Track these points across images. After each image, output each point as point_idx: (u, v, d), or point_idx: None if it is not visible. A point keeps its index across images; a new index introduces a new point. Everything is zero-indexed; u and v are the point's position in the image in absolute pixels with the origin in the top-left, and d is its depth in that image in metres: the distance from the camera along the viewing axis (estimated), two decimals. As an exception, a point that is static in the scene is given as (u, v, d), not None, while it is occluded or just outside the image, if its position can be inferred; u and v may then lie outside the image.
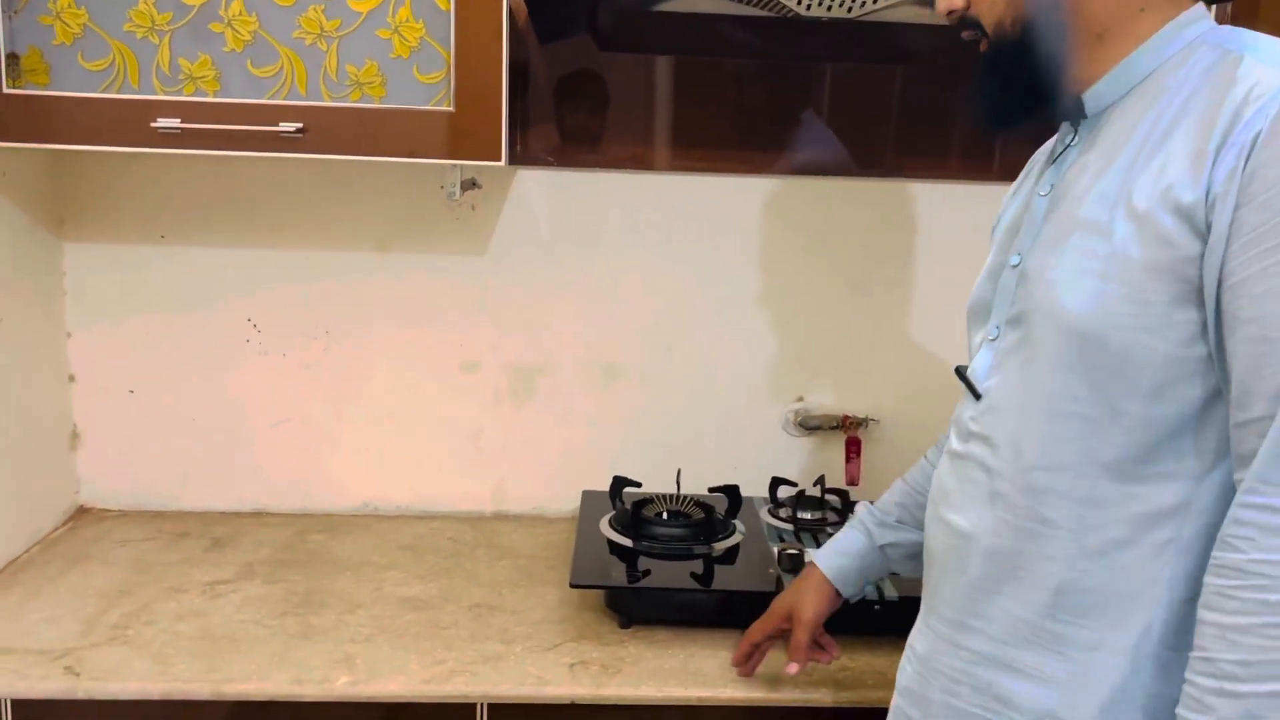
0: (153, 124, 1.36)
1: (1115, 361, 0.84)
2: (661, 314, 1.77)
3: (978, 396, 0.96)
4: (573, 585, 1.39)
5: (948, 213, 1.74)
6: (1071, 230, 0.88)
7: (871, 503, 1.24)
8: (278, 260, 1.73)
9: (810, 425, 1.79)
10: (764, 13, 1.52)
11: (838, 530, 1.26)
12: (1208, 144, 0.80)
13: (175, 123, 1.36)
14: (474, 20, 1.37)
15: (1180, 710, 0.80)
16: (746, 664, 1.26)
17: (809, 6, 1.43)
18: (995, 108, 0.96)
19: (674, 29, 1.68)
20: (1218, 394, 0.83)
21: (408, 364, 1.77)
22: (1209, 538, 0.82)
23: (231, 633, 1.37)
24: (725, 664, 1.31)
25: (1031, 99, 0.95)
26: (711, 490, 1.64)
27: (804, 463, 1.81)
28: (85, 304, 1.73)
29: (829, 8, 1.43)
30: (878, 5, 1.42)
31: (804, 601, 1.20)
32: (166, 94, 1.37)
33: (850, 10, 1.44)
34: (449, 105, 1.39)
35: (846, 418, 1.78)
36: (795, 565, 1.42)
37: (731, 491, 1.61)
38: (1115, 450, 0.86)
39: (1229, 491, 0.82)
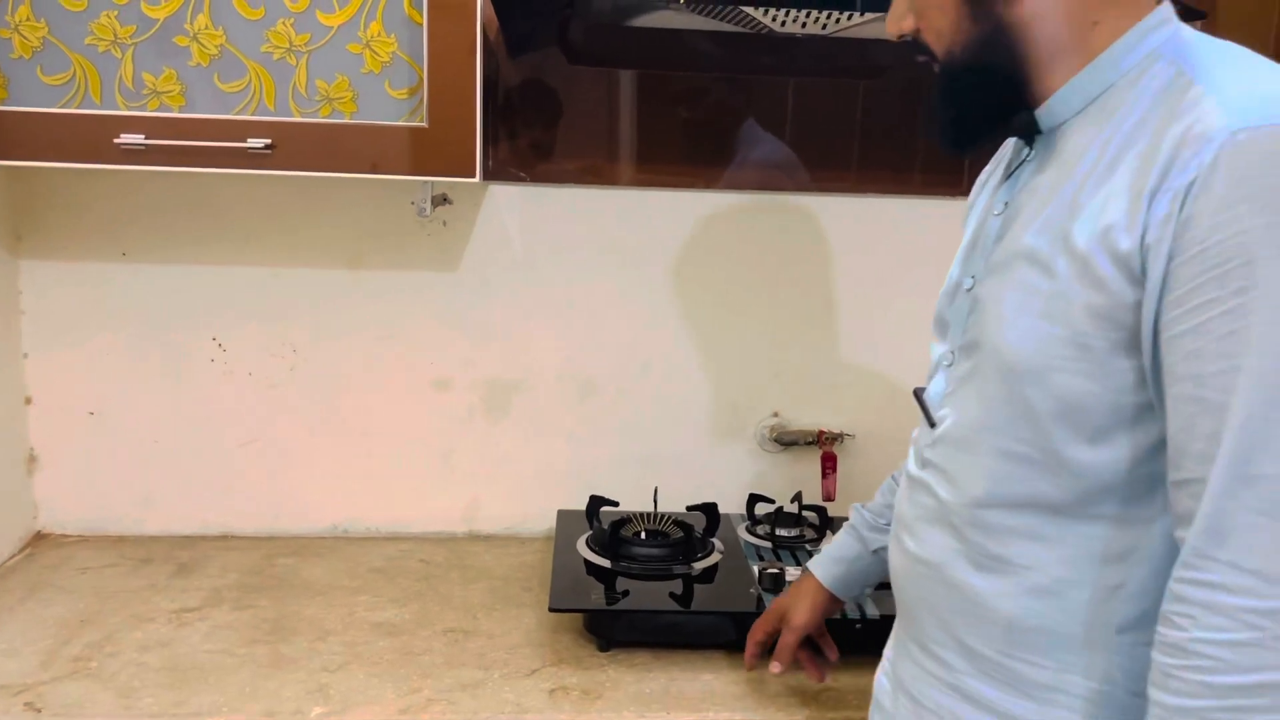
0: (115, 140, 1.33)
1: (1055, 405, 0.82)
2: (637, 330, 1.76)
3: (933, 424, 0.96)
4: (552, 609, 1.37)
5: (919, 227, 1.74)
6: (1016, 259, 0.86)
7: (864, 505, 1.22)
8: (244, 277, 1.69)
9: (786, 441, 1.78)
10: (737, 29, 1.52)
11: (816, 548, 1.25)
12: (1145, 184, 0.77)
13: (139, 139, 1.33)
14: (448, 35, 1.35)
15: None
16: (756, 663, 1.25)
17: (783, 24, 1.42)
18: (953, 130, 0.94)
19: (645, 42, 1.67)
20: (1163, 442, 0.79)
21: (378, 382, 1.74)
22: (1162, 584, 0.79)
23: (199, 663, 1.33)
24: (708, 687, 1.30)
25: (988, 120, 0.93)
26: (689, 509, 1.63)
27: (780, 478, 1.80)
28: (43, 324, 1.68)
29: (803, 24, 1.42)
30: (851, 22, 1.42)
31: (797, 607, 1.20)
32: (130, 109, 1.34)
33: (825, 27, 1.43)
34: (422, 121, 1.37)
35: (822, 433, 1.77)
36: (776, 584, 1.40)
37: (709, 510, 1.59)
38: (1060, 493, 0.84)
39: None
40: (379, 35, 1.35)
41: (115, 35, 1.32)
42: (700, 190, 1.73)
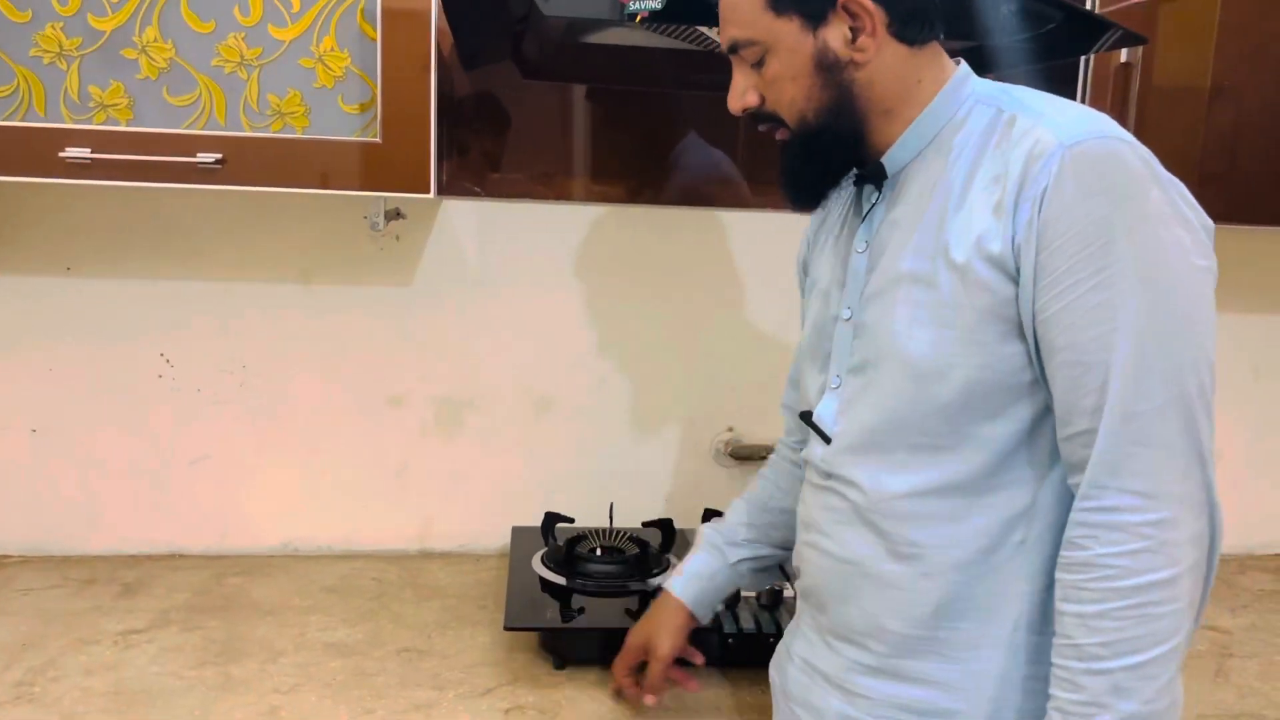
0: (61, 154, 1.30)
1: (960, 396, 0.93)
2: (592, 345, 1.76)
3: (828, 440, 1.03)
4: (507, 628, 1.36)
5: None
6: (897, 283, 0.97)
7: (714, 524, 1.31)
8: (193, 292, 1.67)
9: (741, 455, 1.79)
10: (691, 46, 1.52)
11: (768, 564, 1.29)
12: (1005, 198, 0.90)
13: (85, 152, 1.30)
14: (402, 50, 1.34)
15: (1053, 690, 0.89)
16: (631, 695, 1.28)
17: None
18: (808, 188, 1.04)
19: (599, 57, 1.67)
20: (1047, 409, 0.93)
21: (330, 398, 1.72)
22: (1055, 531, 0.93)
23: (147, 686, 1.30)
24: (663, 706, 1.30)
25: (837, 173, 1.04)
26: (645, 525, 1.62)
27: (736, 493, 1.76)
28: (-16, 339, 1.64)
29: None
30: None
31: (660, 637, 1.25)
32: (76, 122, 1.31)
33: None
34: (375, 136, 1.36)
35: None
36: (732, 600, 1.41)
37: (665, 526, 1.59)
38: (968, 471, 0.94)
39: (1064, 490, 0.93)
40: (332, 50, 1.34)
41: (61, 47, 1.30)
42: (655, 205, 1.74)
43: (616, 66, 1.67)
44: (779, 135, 1.02)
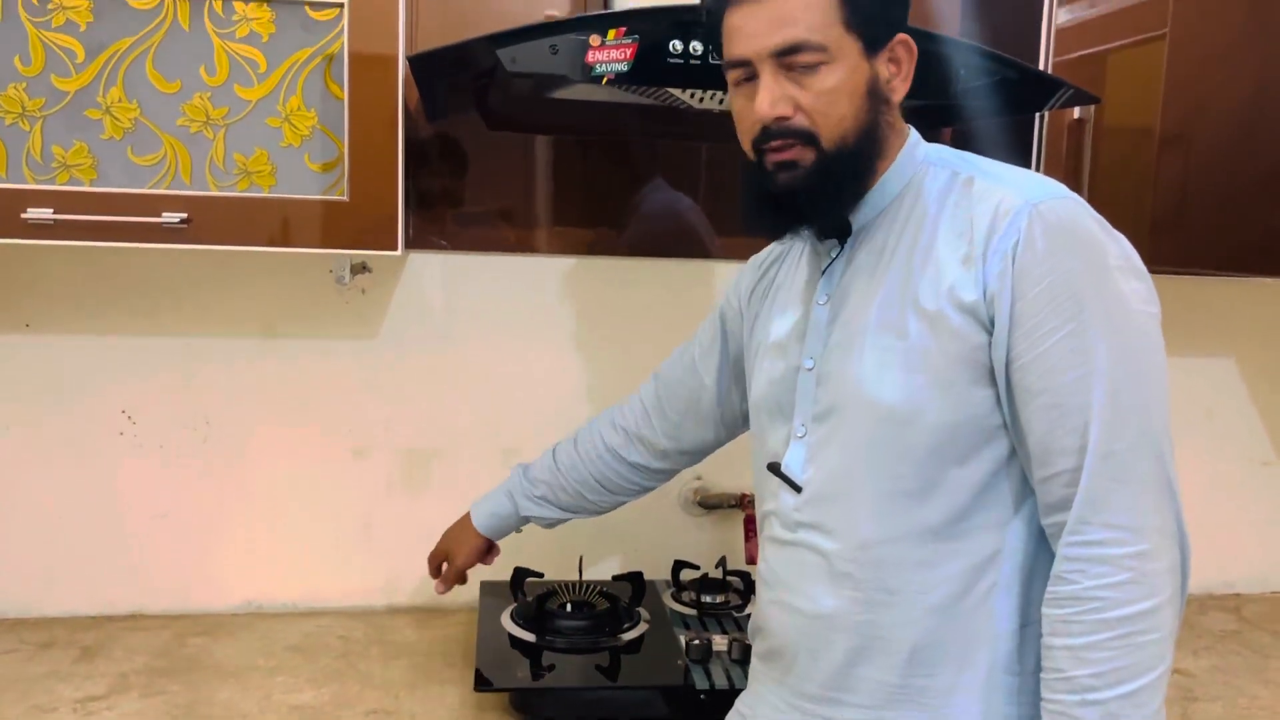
0: (23, 215, 1.29)
1: (929, 439, 0.96)
2: (559, 396, 1.76)
3: (798, 489, 1.04)
4: (477, 689, 1.35)
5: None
6: (864, 333, 0.99)
7: (526, 469, 1.43)
8: (155, 347, 1.65)
9: (709, 504, 1.80)
10: (656, 103, 1.54)
11: (742, 614, 1.38)
12: (974, 251, 0.94)
13: (48, 213, 1.29)
14: (369, 110, 1.35)
15: None
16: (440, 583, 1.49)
17: (701, 100, 1.45)
18: (813, 212, 1.02)
19: (564, 110, 1.68)
20: (1013, 452, 0.96)
21: (294, 452, 1.71)
22: (1024, 574, 0.97)
23: (107, 757, 1.27)
24: None
25: (845, 204, 1.03)
26: (616, 578, 1.62)
27: (705, 542, 1.81)
28: (-62, 397, 1.61)
29: (721, 101, 1.46)
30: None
31: (458, 550, 1.46)
32: (38, 182, 1.30)
33: (742, 103, 1.47)
34: (343, 194, 1.36)
35: (745, 496, 1.79)
36: (704, 655, 1.41)
37: (635, 579, 1.59)
38: (939, 515, 0.97)
39: (1031, 533, 0.97)
40: (299, 109, 1.34)
41: (24, 108, 1.29)
42: (620, 257, 1.75)
43: (582, 118, 1.69)
44: (790, 154, 0.99)
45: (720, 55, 1.04)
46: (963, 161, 1.03)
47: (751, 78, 1.00)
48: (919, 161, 1.04)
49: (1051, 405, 0.91)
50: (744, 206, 1.07)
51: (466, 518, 1.47)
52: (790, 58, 0.97)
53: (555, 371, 1.75)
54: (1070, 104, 1.47)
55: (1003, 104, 1.40)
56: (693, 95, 1.42)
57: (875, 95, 0.99)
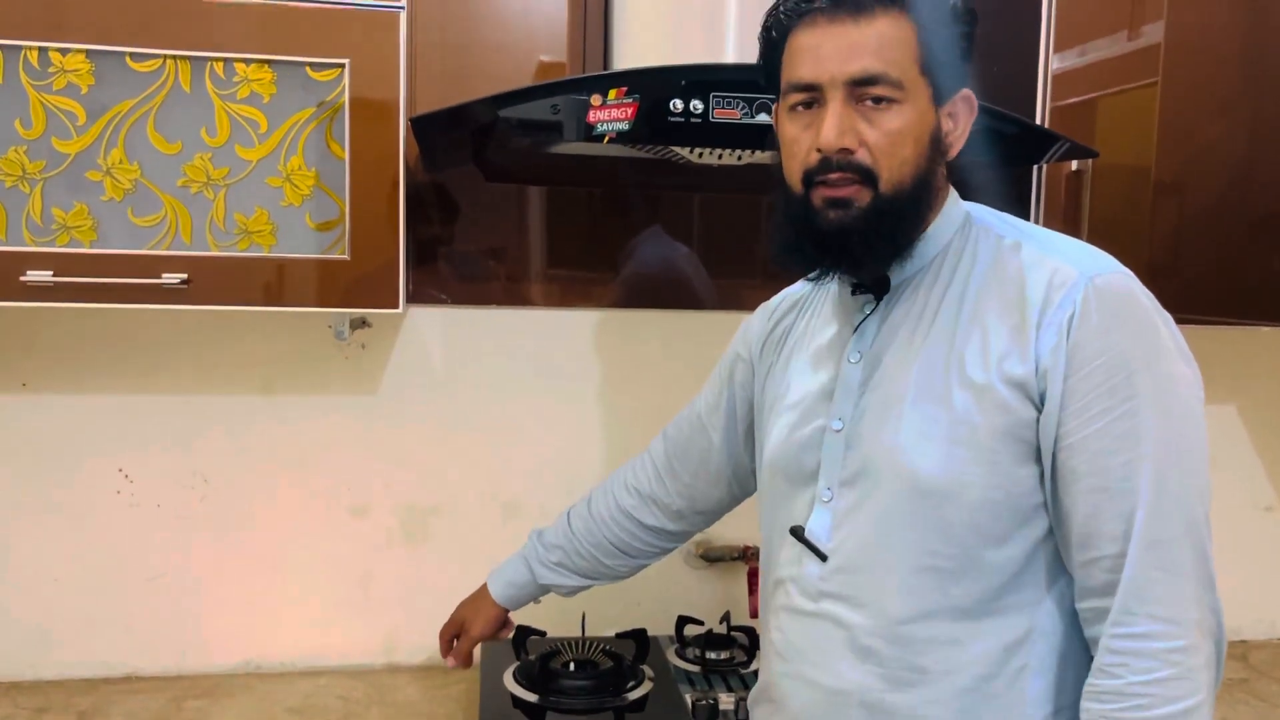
0: (22, 277, 1.28)
1: (968, 515, 0.92)
2: (559, 449, 1.75)
3: (823, 557, 0.99)
4: (481, 754, 1.33)
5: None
6: (903, 399, 0.95)
7: (541, 534, 1.39)
8: (152, 406, 1.64)
9: (712, 557, 1.78)
10: (656, 157, 1.55)
11: (747, 670, 1.39)
12: (1026, 323, 0.91)
13: (47, 275, 1.29)
14: (371, 169, 1.35)
15: None
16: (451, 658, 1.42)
17: (701, 156, 1.46)
18: (863, 252, 0.96)
19: (562, 162, 1.69)
20: (1049, 532, 0.93)
21: (292, 509, 1.69)
22: (1056, 656, 0.93)
23: (103, 829, 1.25)
24: None
25: (896, 249, 0.97)
26: (619, 635, 1.60)
27: (708, 595, 1.79)
28: (-67, 458, 1.59)
29: (719, 157, 1.46)
30: (767, 153, 1.47)
31: (475, 620, 1.40)
32: (38, 245, 1.30)
33: (740, 158, 1.47)
34: (344, 253, 1.36)
35: (747, 548, 1.77)
36: (710, 715, 1.39)
37: (639, 636, 1.57)
38: (971, 595, 0.93)
39: (1064, 614, 0.93)
40: (299, 169, 1.35)
41: (24, 170, 1.29)
42: (618, 309, 1.75)
43: (579, 170, 1.69)
44: (847, 192, 0.93)
45: (769, 76, 0.99)
46: (1007, 225, 1.00)
47: (812, 104, 0.94)
48: (961, 220, 1.00)
49: (1098, 488, 0.88)
50: (779, 240, 1.00)
51: (483, 589, 1.41)
52: (864, 89, 0.92)
53: (554, 425, 1.74)
54: (1067, 157, 1.48)
55: (1000, 156, 1.41)
56: (693, 151, 1.42)
57: (936, 145, 0.96)
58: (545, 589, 1.38)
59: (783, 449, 1.06)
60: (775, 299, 1.21)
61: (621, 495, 1.35)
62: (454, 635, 1.42)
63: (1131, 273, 0.93)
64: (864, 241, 0.95)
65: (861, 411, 0.98)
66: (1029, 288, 0.92)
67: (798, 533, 1.01)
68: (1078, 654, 0.93)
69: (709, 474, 1.28)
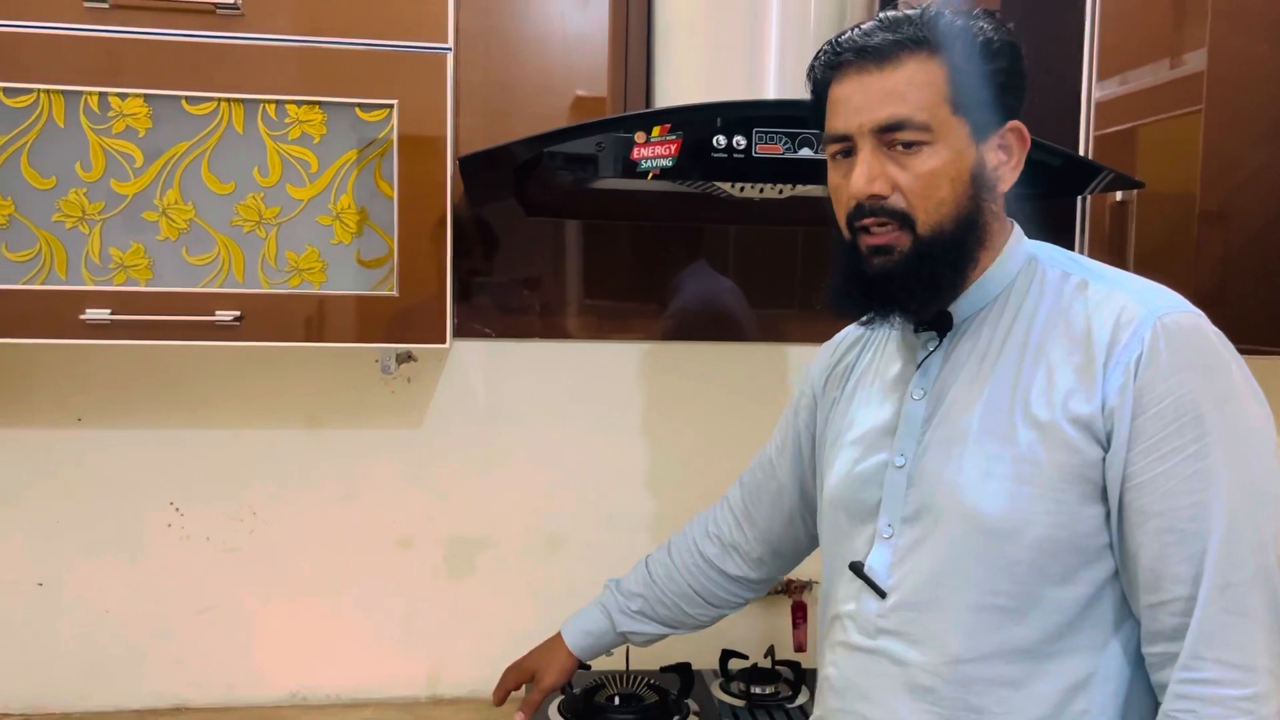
0: (81, 315, 1.31)
1: (1032, 555, 0.91)
2: (602, 481, 1.75)
3: (882, 594, 0.99)
4: (528, 790, 1.33)
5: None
6: (966, 436, 0.95)
7: (619, 583, 1.39)
8: (202, 440, 1.67)
9: (755, 590, 1.77)
10: (698, 191, 1.56)
11: (793, 705, 1.36)
12: (1092, 362, 0.91)
13: (105, 314, 1.32)
14: (418, 207, 1.37)
15: None
16: (499, 698, 1.42)
17: (741, 189, 1.47)
18: (908, 298, 0.97)
19: (603, 197, 1.71)
20: (1114, 573, 0.92)
21: (338, 542, 1.71)
22: (1118, 700, 0.92)
23: None
24: None
25: (939, 293, 0.98)
26: (663, 669, 1.60)
27: (751, 629, 1.78)
28: (-9, 492, 1.63)
29: (761, 191, 1.47)
30: (809, 186, 1.47)
31: (548, 670, 1.38)
32: (96, 284, 1.33)
33: (781, 192, 1.48)
34: (392, 290, 1.38)
35: (791, 581, 1.76)
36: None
37: (683, 670, 1.57)
38: (1033, 635, 0.92)
39: (1128, 657, 0.92)
40: (349, 207, 1.37)
41: (84, 212, 1.32)
42: (662, 341, 1.76)
43: (620, 205, 1.71)
44: (886, 238, 0.95)
45: (818, 124, 1.02)
46: (1072, 262, 1.00)
47: (850, 153, 0.97)
48: (1025, 257, 1.00)
49: (1167, 529, 0.88)
50: (833, 287, 1.02)
51: (557, 637, 1.39)
52: (891, 135, 0.94)
53: (597, 458, 1.75)
54: (1111, 188, 1.47)
55: (1045, 188, 1.41)
56: (734, 185, 1.43)
57: (979, 182, 0.95)
58: (623, 638, 1.38)
59: (844, 484, 1.06)
60: (839, 335, 1.22)
61: (703, 543, 1.34)
62: (520, 681, 1.40)
63: (1201, 312, 0.92)
64: (905, 286, 0.96)
65: (924, 448, 0.98)
66: (1095, 326, 0.92)
67: (857, 568, 1.01)
68: (1140, 699, 0.92)
69: (783, 515, 1.28)
